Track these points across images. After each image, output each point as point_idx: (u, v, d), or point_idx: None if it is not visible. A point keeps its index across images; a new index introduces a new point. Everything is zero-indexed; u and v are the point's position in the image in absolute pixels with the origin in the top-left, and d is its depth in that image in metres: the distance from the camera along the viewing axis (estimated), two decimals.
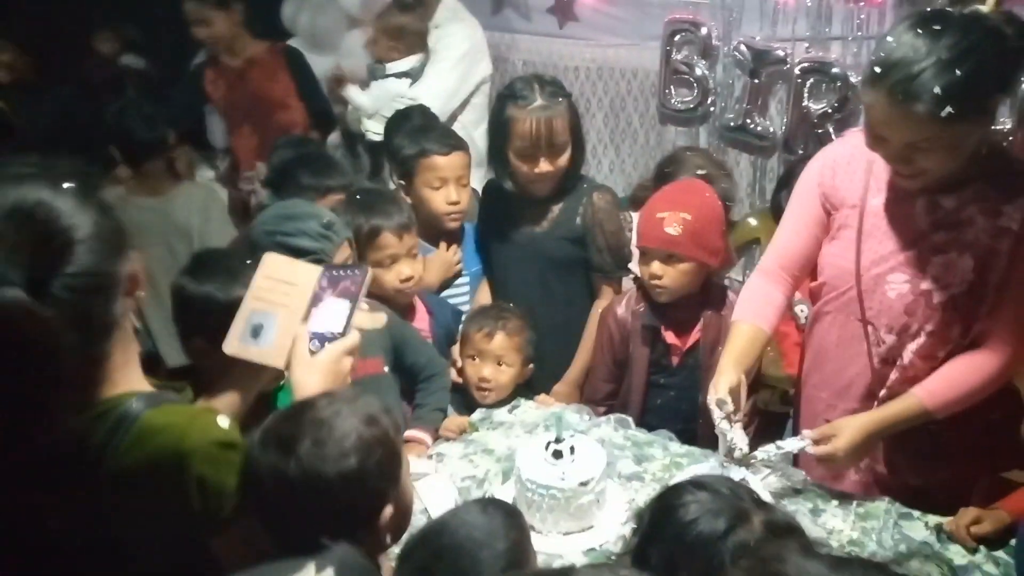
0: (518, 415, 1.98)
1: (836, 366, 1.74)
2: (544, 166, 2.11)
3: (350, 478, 1.06)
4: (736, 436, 1.55)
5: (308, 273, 1.26)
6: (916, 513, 1.62)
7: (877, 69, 1.42)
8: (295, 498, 1.05)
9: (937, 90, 1.36)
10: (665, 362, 2.05)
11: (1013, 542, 1.51)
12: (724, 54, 3.04)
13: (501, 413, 2.00)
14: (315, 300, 1.24)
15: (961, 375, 1.57)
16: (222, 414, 1.12)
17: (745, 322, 1.72)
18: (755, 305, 1.75)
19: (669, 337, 2.04)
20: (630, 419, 1.95)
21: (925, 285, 1.57)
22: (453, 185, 2.25)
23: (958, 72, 1.36)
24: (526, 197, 2.22)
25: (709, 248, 1.99)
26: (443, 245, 2.31)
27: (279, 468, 1.05)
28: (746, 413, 1.71)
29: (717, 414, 1.57)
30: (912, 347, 1.62)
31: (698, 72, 3.08)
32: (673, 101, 3.16)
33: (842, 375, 1.73)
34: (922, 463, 1.71)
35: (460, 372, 2.13)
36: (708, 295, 2.05)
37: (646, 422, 2.01)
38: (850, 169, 1.66)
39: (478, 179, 2.74)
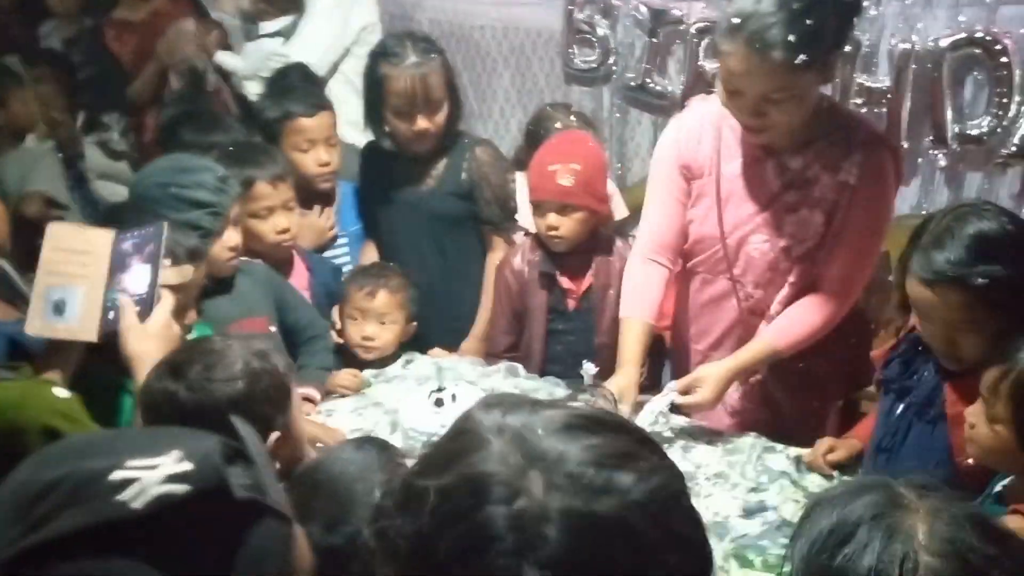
0: (412, 370, 2.04)
1: (709, 320, 1.86)
2: (422, 123, 2.13)
3: (237, 401, 1.15)
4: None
5: (101, 238, 1.24)
6: (779, 446, 1.74)
7: (735, 20, 1.50)
8: (185, 421, 1.09)
9: (791, 38, 1.46)
10: (562, 307, 2.14)
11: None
12: (624, 14, 3.08)
13: (395, 368, 2.05)
14: (122, 266, 1.24)
15: (802, 317, 1.71)
16: (58, 385, 1.14)
17: (633, 318, 1.83)
18: (639, 298, 1.85)
19: (564, 282, 2.12)
20: (520, 367, 2.03)
21: (783, 242, 1.70)
22: (322, 146, 2.24)
23: (808, 22, 1.46)
24: (408, 156, 2.24)
25: (599, 196, 2.08)
26: (316, 210, 2.30)
27: (170, 392, 1.15)
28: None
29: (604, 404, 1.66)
30: (778, 298, 1.75)
31: (600, 32, 3.11)
32: (576, 61, 3.19)
33: (715, 328, 1.86)
34: (790, 395, 1.84)
35: (341, 333, 2.14)
36: (597, 241, 2.14)
37: (548, 370, 2.09)
38: (701, 138, 1.77)
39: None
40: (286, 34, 3.07)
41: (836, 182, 1.65)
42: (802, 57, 1.48)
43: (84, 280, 1.21)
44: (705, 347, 1.90)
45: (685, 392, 1.71)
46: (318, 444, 1.63)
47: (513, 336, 2.18)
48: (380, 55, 2.14)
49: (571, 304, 2.12)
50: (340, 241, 2.38)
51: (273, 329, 1.92)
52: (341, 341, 2.13)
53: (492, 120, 3.49)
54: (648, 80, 3.07)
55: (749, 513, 1.55)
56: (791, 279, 1.74)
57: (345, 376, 1.96)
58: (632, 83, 3.10)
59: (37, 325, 1.19)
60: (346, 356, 2.12)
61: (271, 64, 2.92)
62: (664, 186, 1.83)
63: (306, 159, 2.23)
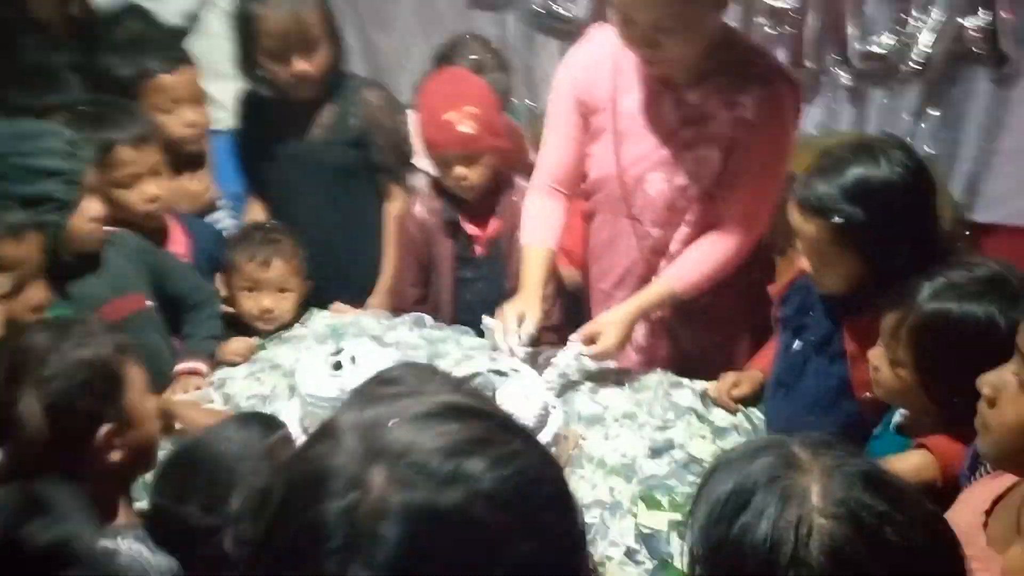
0: (310, 327, 1.95)
1: (611, 259, 1.83)
2: (300, 65, 1.98)
3: (52, 404, 1.10)
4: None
5: None
6: (685, 381, 1.74)
7: None
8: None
9: None
10: (469, 254, 2.07)
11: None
12: None
13: (293, 327, 1.95)
14: None
15: (702, 257, 1.69)
16: None
17: (533, 245, 1.77)
18: (539, 226, 1.79)
19: (470, 229, 2.05)
20: (426, 317, 1.97)
21: (680, 180, 1.66)
22: (187, 105, 2.04)
23: None
24: (290, 104, 2.08)
25: (501, 133, 2.00)
26: (187, 175, 2.11)
27: None
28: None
29: (514, 339, 1.63)
30: (678, 236, 1.73)
31: None
32: None
33: (617, 267, 1.82)
34: (697, 329, 1.85)
35: (231, 303, 2.00)
36: (499, 181, 2.06)
37: (459, 320, 2.04)
38: (598, 71, 1.69)
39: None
40: None
41: (733, 117, 1.60)
42: None
43: None
44: (608, 286, 1.87)
45: (589, 341, 1.68)
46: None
47: (421, 288, 2.11)
48: None
49: (478, 250, 2.06)
50: (220, 203, 2.21)
51: (151, 304, 1.77)
52: (231, 310, 2.00)
53: (393, 52, 3.32)
54: (553, 4, 2.96)
55: (656, 453, 1.55)
56: (689, 218, 1.71)
57: (236, 344, 1.85)
58: (537, 7, 2.98)
59: None
60: (241, 328, 1.98)
61: None
62: (560, 120, 1.77)
63: (171, 120, 2.01)
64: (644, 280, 1.77)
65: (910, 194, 1.30)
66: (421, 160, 2.13)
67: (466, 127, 1.90)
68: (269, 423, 1.22)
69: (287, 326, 1.98)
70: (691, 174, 1.66)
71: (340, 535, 0.57)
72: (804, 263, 1.41)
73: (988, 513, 1.02)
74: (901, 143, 1.39)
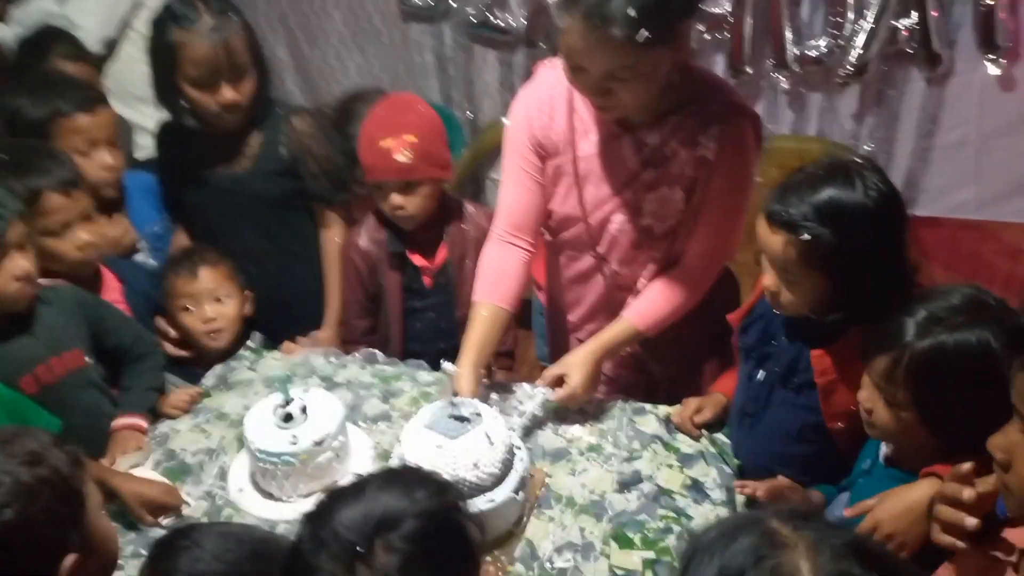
0: (260, 370, 1.86)
1: (577, 294, 1.81)
2: (228, 94, 1.88)
3: (11, 532, 0.94)
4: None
5: None
6: (648, 406, 1.71)
7: None
8: None
9: (631, 12, 1.33)
10: (417, 286, 2.00)
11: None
12: None
13: (240, 371, 1.86)
14: None
15: (662, 296, 1.67)
16: None
17: (484, 304, 1.70)
18: (492, 282, 1.72)
19: (417, 260, 1.99)
20: (378, 353, 1.90)
21: (645, 221, 1.63)
22: (104, 147, 1.92)
23: None
24: (215, 134, 1.98)
25: (441, 163, 1.94)
26: (102, 220, 1.94)
27: None
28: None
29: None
30: (644, 274, 1.71)
31: None
32: None
33: (583, 302, 1.81)
34: (664, 359, 1.83)
35: (179, 333, 1.93)
36: (447, 209, 2.00)
37: (410, 350, 1.97)
38: (553, 114, 1.64)
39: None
40: None
41: (694, 157, 1.56)
42: (644, 33, 1.35)
43: None
44: (576, 319, 1.84)
45: (556, 383, 1.65)
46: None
47: (369, 319, 2.04)
48: (168, 19, 1.84)
49: (427, 281, 2.00)
50: (140, 246, 2.08)
51: (89, 361, 1.67)
52: (178, 352, 1.93)
53: (328, 65, 3.23)
54: (489, 15, 2.91)
55: (625, 486, 1.52)
56: (655, 255, 1.68)
57: (175, 396, 1.76)
58: (473, 19, 2.93)
59: None
60: (191, 370, 1.91)
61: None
62: (517, 164, 1.70)
63: (87, 163, 1.88)
64: (612, 314, 1.73)
65: (881, 219, 1.27)
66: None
67: (402, 156, 1.84)
68: (252, 535, 1.10)
69: (233, 349, 1.92)
70: (654, 214, 1.63)
71: None
72: (768, 280, 1.38)
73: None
74: (876, 167, 1.36)
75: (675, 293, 1.66)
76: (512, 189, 1.72)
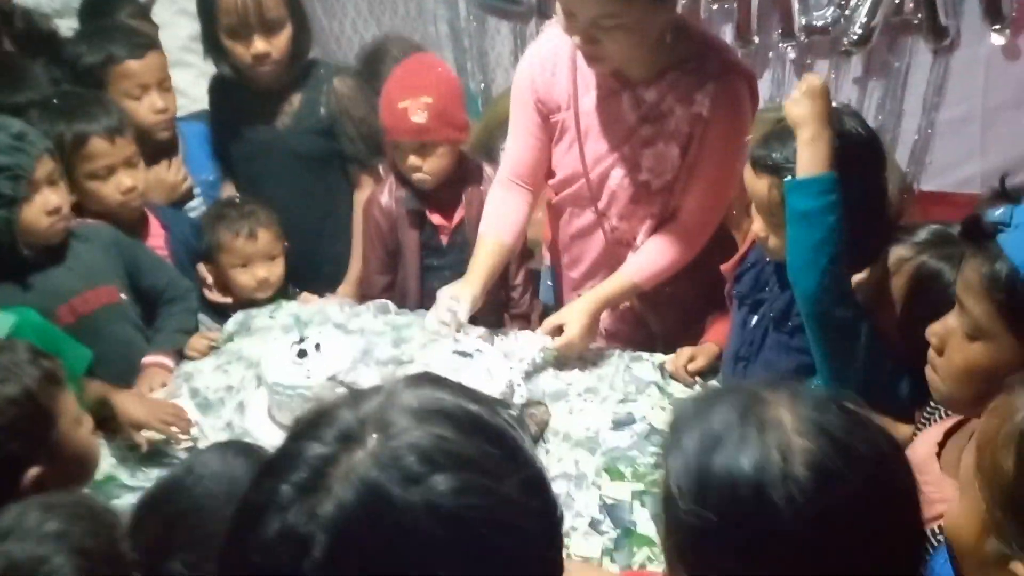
0: (279, 318, 1.96)
1: (579, 250, 1.88)
2: (260, 45, 1.97)
3: None
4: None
5: None
6: (644, 355, 1.79)
7: None
8: None
9: None
10: (435, 243, 2.08)
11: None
12: None
13: (260, 319, 1.96)
14: None
15: (659, 250, 1.75)
16: None
17: (487, 236, 1.80)
18: (495, 219, 1.82)
19: (435, 219, 2.06)
20: (390, 304, 1.99)
21: (643, 176, 1.70)
22: (155, 91, 2.02)
23: None
24: (259, 90, 2.08)
25: (458, 125, 2.01)
26: (163, 165, 2.11)
27: None
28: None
29: (445, 315, 1.67)
30: (642, 228, 1.77)
31: None
32: None
33: (585, 258, 1.88)
34: (662, 313, 1.90)
35: (220, 285, 2.04)
36: (466, 170, 2.07)
37: (426, 306, 2.05)
38: (556, 71, 1.72)
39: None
40: None
41: (690, 114, 1.62)
42: None
43: None
44: (578, 275, 1.91)
45: (555, 332, 1.72)
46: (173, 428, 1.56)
47: (388, 276, 2.11)
48: None
49: (444, 239, 2.07)
50: (195, 192, 2.20)
51: (124, 297, 1.77)
52: (218, 299, 2.03)
53: (344, 36, 3.30)
54: None
55: (619, 425, 1.60)
56: (653, 211, 1.75)
57: (195, 340, 1.85)
58: None
59: None
60: (225, 314, 2.00)
61: None
62: (521, 119, 1.79)
63: (139, 107, 2.00)
64: (611, 269, 1.81)
65: (859, 161, 1.34)
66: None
67: (419, 117, 1.91)
68: (249, 452, 1.09)
69: (276, 295, 2.04)
70: (651, 170, 1.70)
71: (304, 473, 0.59)
72: (756, 226, 1.46)
73: (940, 445, 1.09)
74: (854, 113, 1.44)
75: (672, 248, 1.74)
76: (516, 142, 1.81)
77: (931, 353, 1.07)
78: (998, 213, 0.95)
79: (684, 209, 1.73)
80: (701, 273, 1.79)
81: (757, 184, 1.41)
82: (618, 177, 1.73)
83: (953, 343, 1.02)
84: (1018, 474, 0.71)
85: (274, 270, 2.05)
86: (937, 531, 0.93)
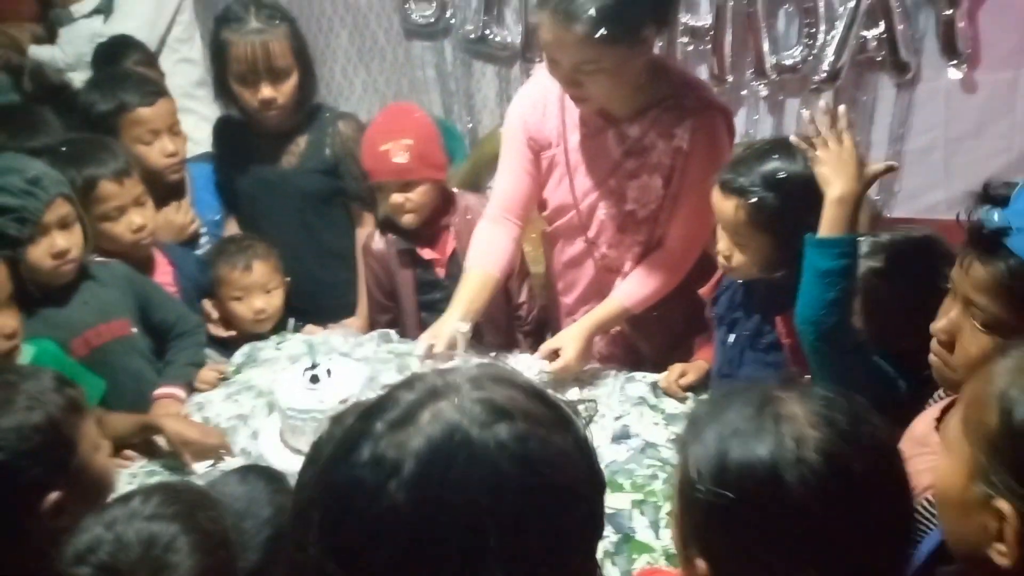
0: (284, 349, 2.03)
1: (572, 278, 1.99)
2: (266, 92, 2.08)
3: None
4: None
5: None
6: (638, 375, 1.88)
7: None
8: None
9: (592, 12, 1.52)
10: (431, 278, 2.16)
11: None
12: None
13: (267, 350, 2.03)
14: None
15: (648, 276, 1.85)
16: None
17: (472, 269, 1.89)
18: (482, 251, 1.92)
19: (426, 254, 2.15)
20: (392, 332, 2.07)
21: (629, 206, 1.82)
22: (166, 135, 2.13)
23: None
24: (266, 132, 2.19)
25: (437, 164, 2.12)
26: (172, 207, 2.20)
27: None
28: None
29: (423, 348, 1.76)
30: (629, 256, 1.88)
31: None
32: (414, 16, 3.18)
33: (578, 285, 1.98)
34: (651, 336, 2.00)
35: (223, 320, 2.12)
36: (448, 203, 2.17)
37: None
38: (547, 110, 1.84)
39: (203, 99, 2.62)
40: (104, 11, 2.88)
41: (671, 148, 1.75)
42: (603, 31, 1.52)
43: None
44: (571, 301, 2.02)
45: (552, 356, 1.81)
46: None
47: (389, 315, 2.21)
48: (223, 20, 2.07)
49: (440, 272, 2.15)
50: (202, 230, 2.28)
51: (135, 330, 1.85)
52: (223, 333, 2.11)
53: (335, 82, 3.42)
54: (487, 32, 3.11)
55: (616, 440, 1.68)
56: (639, 238, 1.86)
57: (206, 372, 1.93)
58: (472, 35, 3.13)
59: None
60: (231, 347, 2.08)
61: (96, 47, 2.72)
62: (512, 156, 1.90)
63: (151, 151, 2.10)
64: (602, 295, 1.91)
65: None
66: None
67: (400, 157, 2.02)
68: (270, 476, 1.18)
69: (277, 326, 2.11)
70: (637, 200, 1.81)
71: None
72: (721, 245, 1.57)
73: (939, 420, 1.19)
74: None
75: (659, 274, 1.84)
76: (506, 177, 1.92)
77: (936, 347, 1.17)
78: (996, 218, 1.04)
79: (669, 237, 1.85)
80: (685, 297, 1.89)
81: (724, 204, 1.53)
82: (606, 208, 1.84)
83: (965, 336, 1.11)
84: (1000, 426, 0.81)
85: (271, 301, 2.12)
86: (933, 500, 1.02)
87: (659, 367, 1.91)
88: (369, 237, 2.20)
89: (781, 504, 0.83)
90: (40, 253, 1.66)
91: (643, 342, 2.02)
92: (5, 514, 1.07)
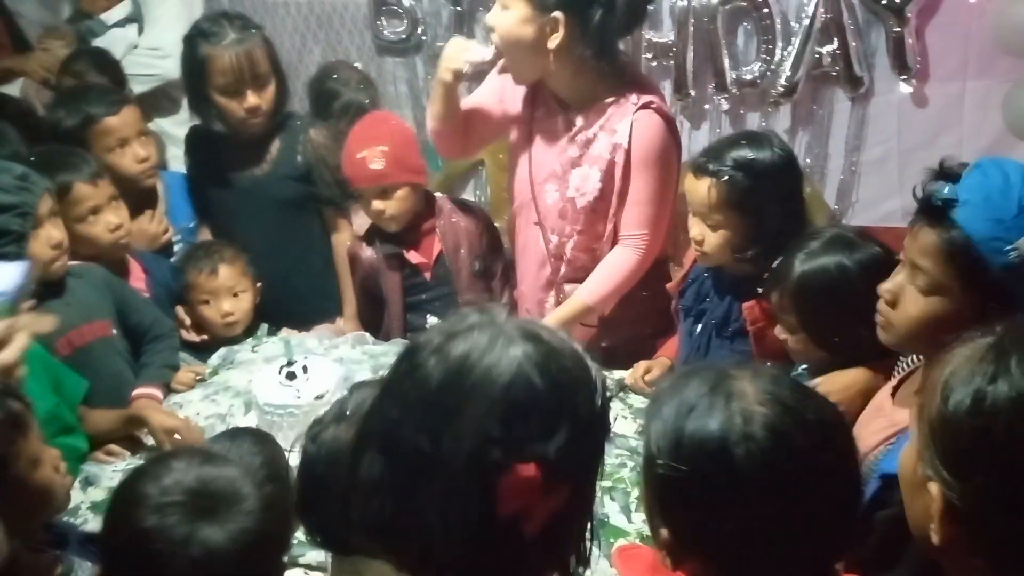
0: (261, 352, 2.07)
1: (525, 262, 2.07)
2: (252, 100, 2.13)
3: None
4: None
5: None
6: (604, 371, 1.93)
7: None
8: None
9: None
10: (419, 281, 2.21)
11: None
12: None
13: (243, 352, 2.07)
14: None
15: (609, 272, 1.94)
16: None
17: None
18: None
19: (413, 257, 2.21)
20: (367, 335, 2.12)
21: (569, 193, 1.90)
22: (135, 142, 2.17)
23: None
24: (239, 140, 2.23)
25: (414, 168, 2.18)
26: (146, 215, 2.23)
27: None
28: None
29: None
30: (570, 244, 1.96)
31: (405, 3, 3.18)
32: (386, 32, 3.24)
33: (530, 269, 2.06)
34: (609, 328, 2.05)
35: (196, 326, 2.15)
36: (431, 206, 2.23)
37: None
38: (518, 90, 1.95)
39: None
40: (136, 19, 2.91)
41: (611, 143, 1.85)
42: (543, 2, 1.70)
43: None
44: (526, 286, 2.10)
45: None
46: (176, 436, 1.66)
47: (379, 315, 2.26)
48: (197, 36, 2.12)
49: (428, 275, 2.21)
50: (175, 240, 2.32)
51: (115, 332, 1.88)
52: (194, 338, 2.13)
53: (307, 99, 3.46)
54: None
55: None
56: (578, 227, 1.95)
57: (181, 374, 1.97)
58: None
59: None
60: (205, 352, 2.12)
61: (138, 60, 2.76)
62: (483, 89, 2.05)
63: (122, 159, 2.14)
64: (549, 283, 2.00)
65: (783, 173, 1.62)
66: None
67: (377, 164, 2.09)
68: (258, 435, 1.27)
69: (241, 337, 2.13)
70: (577, 189, 1.91)
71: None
72: (693, 231, 1.68)
73: (895, 388, 1.28)
74: (779, 138, 1.71)
75: (616, 271, 1.93)
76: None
77: (882, 306, 1.26)
78: (946, 191, 1.14)
79: (623, 234, 1.92)
80: (641, 297, 1.99)
81: (697, 186, 1.64)
82: (551, 191, 1.94)
83: (908, 298, 1.22)
84: (939, 413, 0.85)
85: (239, 305, 2.15)
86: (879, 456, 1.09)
87: (619, 360, 1.98)
88: (355, 245, 2.24)
89: (730, 477, 0.88)
90: (40, 246, 1.70)
91: (605, 337, 2.07)
92: None
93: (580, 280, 1.97)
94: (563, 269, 1.98)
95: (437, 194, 2.29)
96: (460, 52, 1.87)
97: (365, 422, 0.82)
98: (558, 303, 2.00)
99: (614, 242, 1.94)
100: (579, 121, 1.86)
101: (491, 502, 0.74)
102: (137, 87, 2.81)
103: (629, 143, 1.82)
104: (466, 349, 0.77)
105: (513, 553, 0.77)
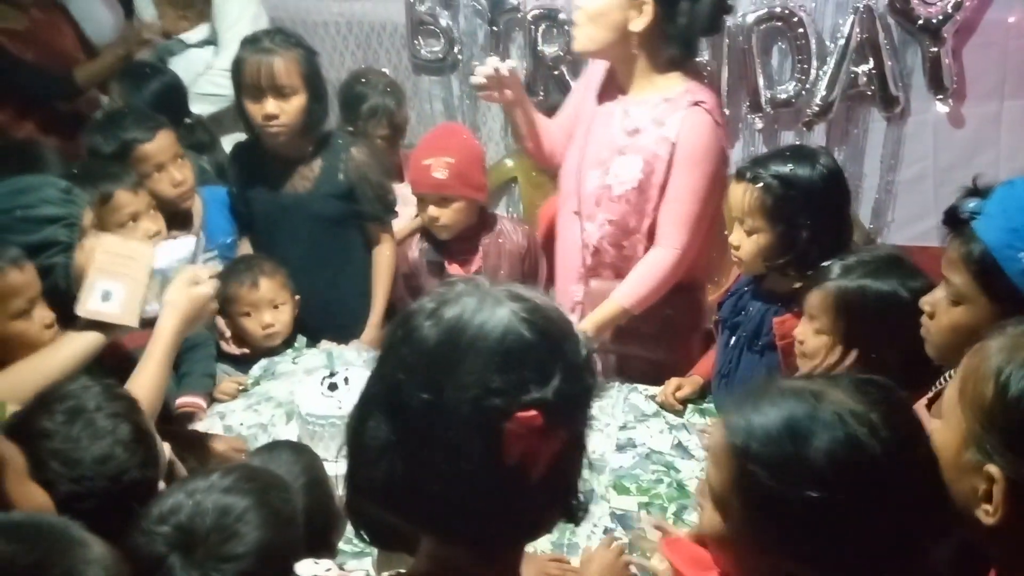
0: (300, 363, 2.11)
1: (564, 248, 2.11)
2: (271, 107, 2.15)
3: None
4: None
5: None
6: (640, 387, 1.96)
7: None
8: None
9: None
10: None
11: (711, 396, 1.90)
12: (464, 3, 3.21)
13: (284, 364, 2.11)
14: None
15: (645, 273, 1.95)
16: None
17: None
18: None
19: (453, 269, 2.26)
20: None
21: (608, 180, 1.92)
22: (171, 166, 2.21)
23: None
24: (281, 156, 2.28)
25: (475, 185, 2.23)
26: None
27: None
28: None
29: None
30: (600, 234, 1.98)
31: (442, 23, 3.24)
32: (423, 52, 3.30)
33: (568, 256, 2.09)
34: (647, 342, 2.07)
35: (236, 338, 2.19)
36: (484, 224, 2.29)
37: None
38: (589, 84, 2.03)
39: None
40: (214, 41, 2.99)
41: (658, 135, 1.88)
42: None
43: (128, 279, 1.49)
44: (561, 273, 2.12)
45: None
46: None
47: None
48: (243, 44, 2.19)
49: None
50: (209, 255, 2.31)
51: None
52: (234, 350, 2.18)
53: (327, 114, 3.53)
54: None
55: (621, 448, 1.75)
56: (610, 217, 1.97)
57: (225, 384, 2.01)
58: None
59: (88, 309, 1.46)
60: (243, 362, 2.16)
61: (213, 79, 2.84)
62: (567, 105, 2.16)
63: (159, 184, 2.18)
64: (579, 274, 2.03)
65: (821, 188, 1.63)
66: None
67: (439, 173, 2.15)
68: (296, 448, 1.28)
69: (280, 348, 2.16)
70: (616, 176, 1.93)
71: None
72: (732, 237, 1.71)
73: (931, 401, 1.29)
74: (830, 157, 1.72)
75: (653, 272, 1.94)
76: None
77: (924, 319, 1.30)
78: (971, 205, 1.18)
79: (661, 233, 1.94)
80: (671, 315, 2.01)
81: (736, 189, 1.68)
82: (592, 177, 1.97)
83: (941, 309, 1.26)
84: (994, 399, 0.89)
85: (279, 317, 2.19)
86: None
87: (652, 374, 1.99)
88: (406, 245, 2.32)
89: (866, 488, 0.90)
90: (84, 256, 1.73)
91: (637, 349, 2.08)
92: None
93: (605, 276, 2.00)
94: (591, 260, 2.00)
95: (497, 213, 2.34)
96: None
97: (367, 390, 0.84)
98: (586, 295, 2.02)
99: (649, 241, 1.95)
100: (633, 111, 1.91)
101: (497, 450, 0.76)
102: (208, 107, 2.91)
103: (677, 138, 1.85)
104: (458, 311, 0.80)
105: (521, 498, 0.79)
